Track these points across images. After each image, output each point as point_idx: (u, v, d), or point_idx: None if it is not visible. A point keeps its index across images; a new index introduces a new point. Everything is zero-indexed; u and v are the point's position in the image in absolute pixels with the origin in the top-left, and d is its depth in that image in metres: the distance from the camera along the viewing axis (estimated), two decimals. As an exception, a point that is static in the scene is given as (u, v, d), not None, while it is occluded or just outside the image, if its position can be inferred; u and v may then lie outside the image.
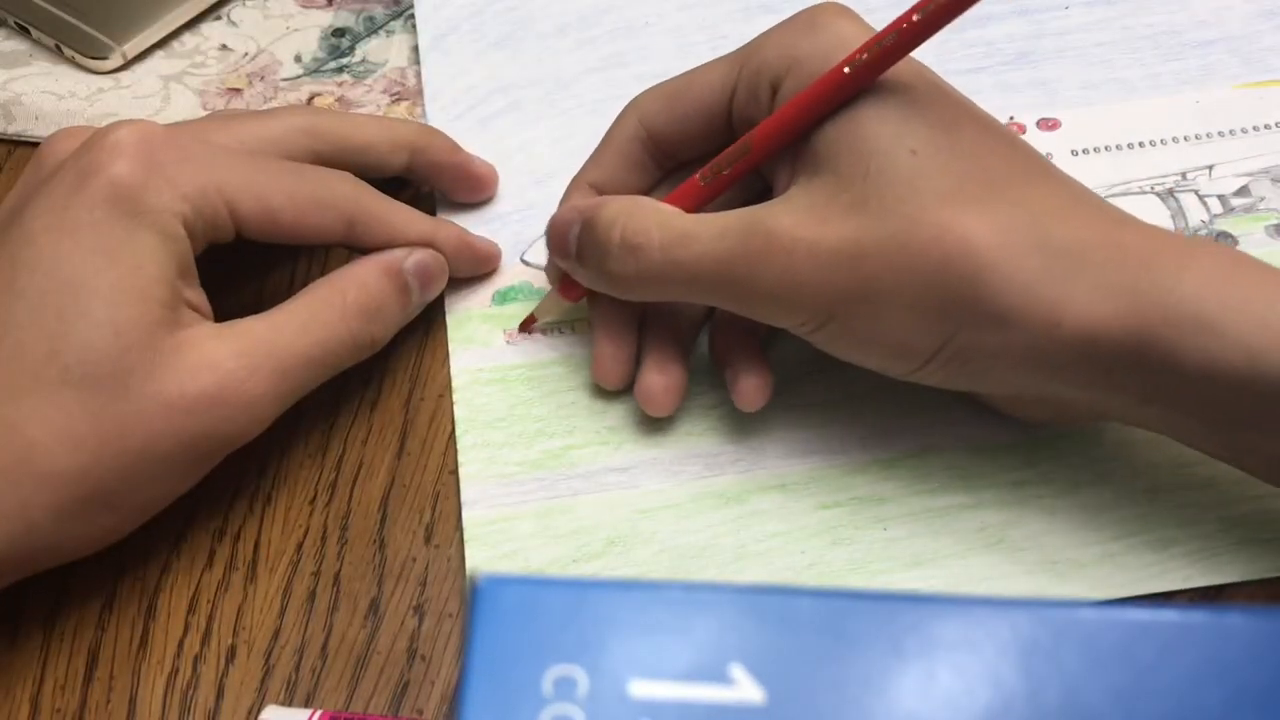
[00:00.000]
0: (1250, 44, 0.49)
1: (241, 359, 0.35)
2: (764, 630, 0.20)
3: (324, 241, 0.39)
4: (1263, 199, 0.44)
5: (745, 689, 0.19)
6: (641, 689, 0.20)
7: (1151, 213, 0.43)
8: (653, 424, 0.40)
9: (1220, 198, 0.44)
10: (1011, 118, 0.47)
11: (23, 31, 0.52)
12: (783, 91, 0.36)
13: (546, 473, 0.39)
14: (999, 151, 0.34)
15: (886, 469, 0.39)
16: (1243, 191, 0.44)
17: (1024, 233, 0.32)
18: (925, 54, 0.48)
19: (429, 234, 0.41)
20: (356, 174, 0.40)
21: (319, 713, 0.33)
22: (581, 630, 0.20)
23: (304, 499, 0.39)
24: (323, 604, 0.37)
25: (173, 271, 0.35)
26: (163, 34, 0.52)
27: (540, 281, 0.43)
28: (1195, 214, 0.44)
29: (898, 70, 0.34)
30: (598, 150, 0.41)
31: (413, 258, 0.40)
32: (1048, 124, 0.47)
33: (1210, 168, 0.45)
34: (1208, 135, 0.46)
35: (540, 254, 0.44)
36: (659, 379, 0.39)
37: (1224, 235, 0.43)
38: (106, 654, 0.36)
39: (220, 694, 0.35)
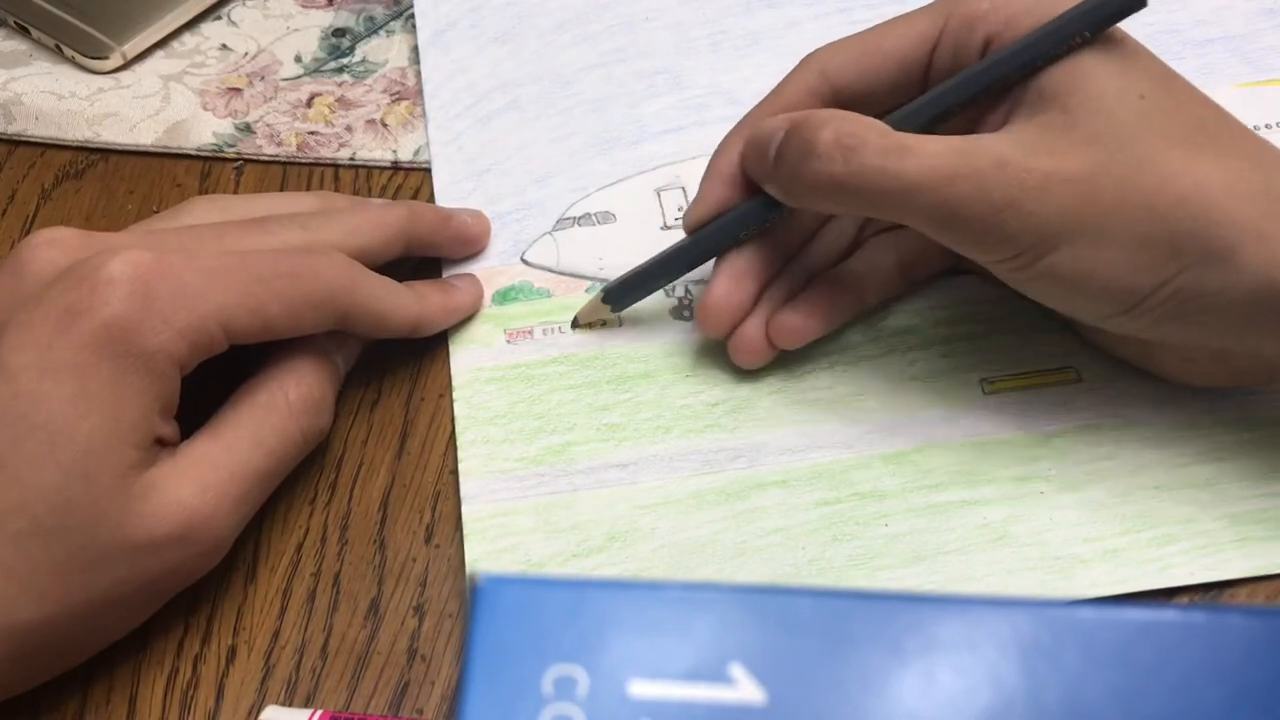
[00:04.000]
0: (1250, 43, 0.49)
1: (206, 494, 0.34)
2: (764, 630, 0.20)
3: (315, 333, 0.38)
4: None
5: (745, 689, 0.19)
6: (641, 689, 0.20)
7: None
8: (654, 421, 0.40)
9: None
10: None
11: (23, 31, 0.52)
12: (999, 44, 0.36)
13: (546, 468, 0.39)
14: (1209, 107, 0.35)
15: (888, 465, 0.39)
16: None
17: (1249, 179, 0.33)
18: None
19: (416, 317, 0.40)
20: None
21: (319, 713, 0.33)
22: (581, 630, 0.20)
23: (304, 499, 0.39)
24: (323, 604, 0.37)
25: (155, 411, 0.34)
26: (163, 34, 0.52)
27: (541, 281, 0.43)
28: None
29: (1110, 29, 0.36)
30: (766, 103, 0.40)
31: (342, 347, 0.40)
32: None
33: None
34: None
35: (540, 254, 0.44)
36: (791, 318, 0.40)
37: None
38: (106, 654, 0.36)
39: (220, 694, 0.35)
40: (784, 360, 0.41)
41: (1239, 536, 0.36)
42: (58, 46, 0.51)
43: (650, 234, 0.45)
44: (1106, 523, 0.37)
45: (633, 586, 0.21)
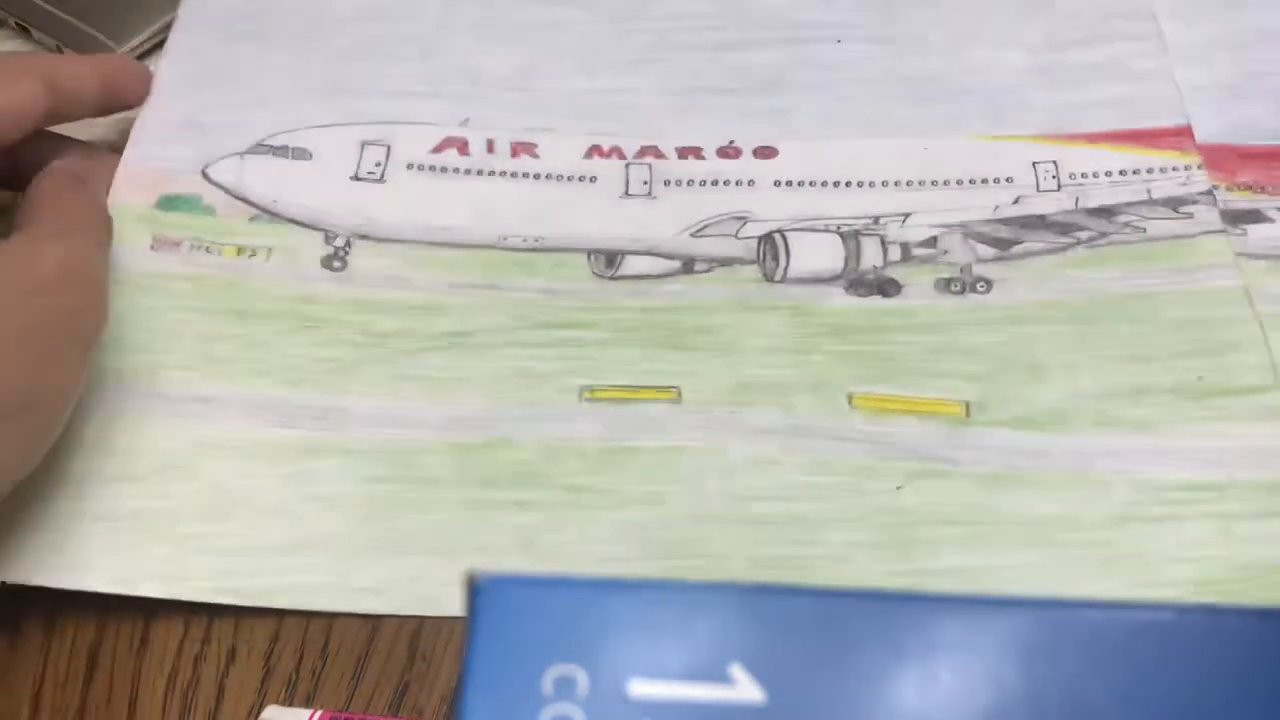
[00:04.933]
0: (1009, 97, 0.47)
1: (69, 238, 0.36)
2: (764, 630, 0.20)
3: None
4: (946, 252, 0.43)
5: (745, 689, 0.19)
6: (641, 689, 0.20)
7: (828, 251, 0.43)
8: (256, 364, 0.40)
9: (904, 245, 0.43)
10: (731, 141, 0.46)
11: (23, 32, 0.52)
12: None
13: (128, 385, 0.39)
14: None
15: (457, 454, 0.38)
16: (929, 242, 0.43)
17: None
18: (682, 71, 0.48)
19: (101, 68, 0.42)
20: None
21: (319, 713, 0.33)
22: (581, 630, 0.20)
23: (304, 499, 0.39)
24: (323, 604, 0.37)
25: None
26: (164, 35, 0.52)
27: (211, 198, 0.44)
28: (870, 258, 0.43)
29: None
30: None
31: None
32: (764, 152, 0.46)
33: (907, 215, 0.44)
34: (920, 183, 0.45)
35: (223, 172, 0.44)
36: None
37: (890, 282, 0.42)
38: (106, 654, 0.36)
39: (220, 694, 0.35)
40: (411, 332, 0.41)
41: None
42: (58, 46, 0.51)
43: (339, 181, 0.45)
44: (635, 545, 0.36)
45: (633, 586, 0.21)
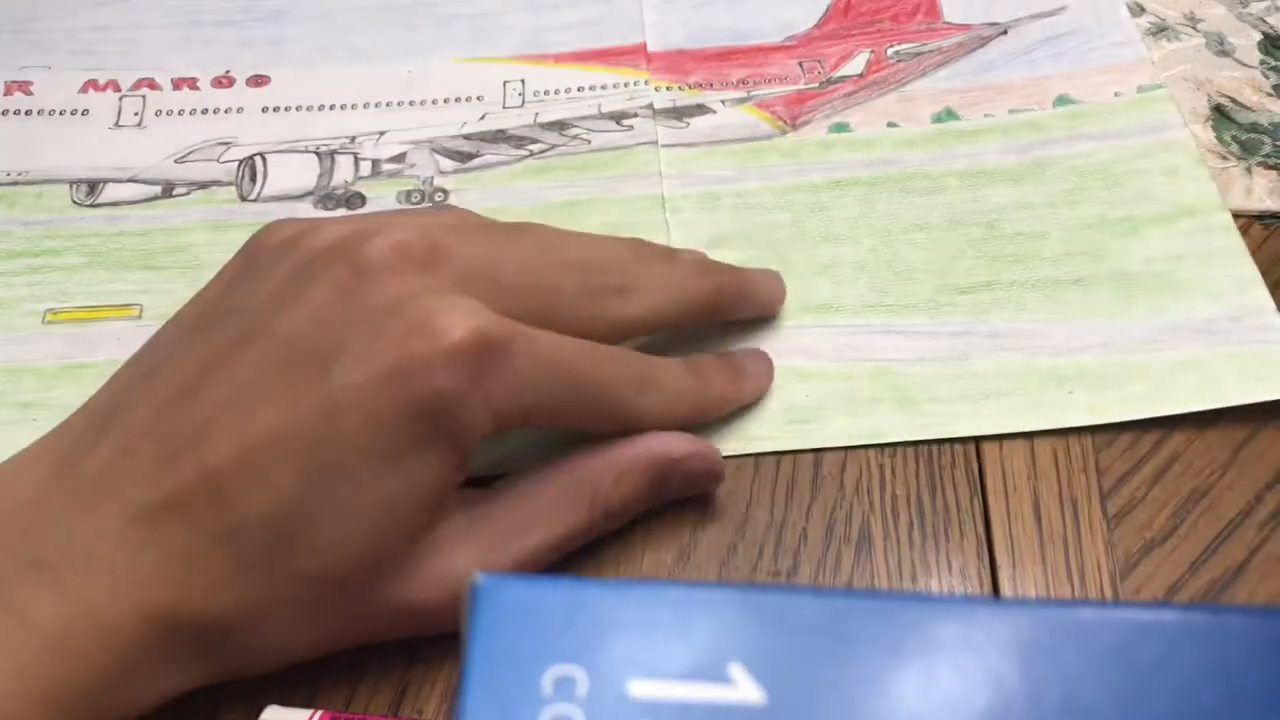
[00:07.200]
0: (493, 20, 0.51)
1: (482, 568, 0.34)
2: (764, 630, 0.20)
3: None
4: (413, 166, 0.46)
5: (745, 689, 0.19)
6: (641, 689, 0.19)
7: (304, 170, 0.46)
8: None
9: (375, 161, 0.46)
10: (227, 71, 0.49)
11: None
12: None
13: None
14: None
15: None
16: (398, 158, 0.46)
17: None
18: (188, 6, 0.51)
19: (694, 413, 0.37)
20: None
21: (319, 713, 0.33)
22: (581, 630, 0.20)
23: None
24: (322, 604, 0.37)
25: (450, 478, 0.33)
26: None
27: None
28: (342, 174, 0.46)
29: None
30: None
31: (690, 458, 0.36)
32: (257, 80, 0.49)
33: (382, 134, 0.47)
34: (398, 104, 0.48)
35: None
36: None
37: (357, 196, 0.45)
38: (106, 654, 0.35)
39: (220, 694, 0.35)
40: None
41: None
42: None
43: None
44: None
45: (633, 586, 0.21)
